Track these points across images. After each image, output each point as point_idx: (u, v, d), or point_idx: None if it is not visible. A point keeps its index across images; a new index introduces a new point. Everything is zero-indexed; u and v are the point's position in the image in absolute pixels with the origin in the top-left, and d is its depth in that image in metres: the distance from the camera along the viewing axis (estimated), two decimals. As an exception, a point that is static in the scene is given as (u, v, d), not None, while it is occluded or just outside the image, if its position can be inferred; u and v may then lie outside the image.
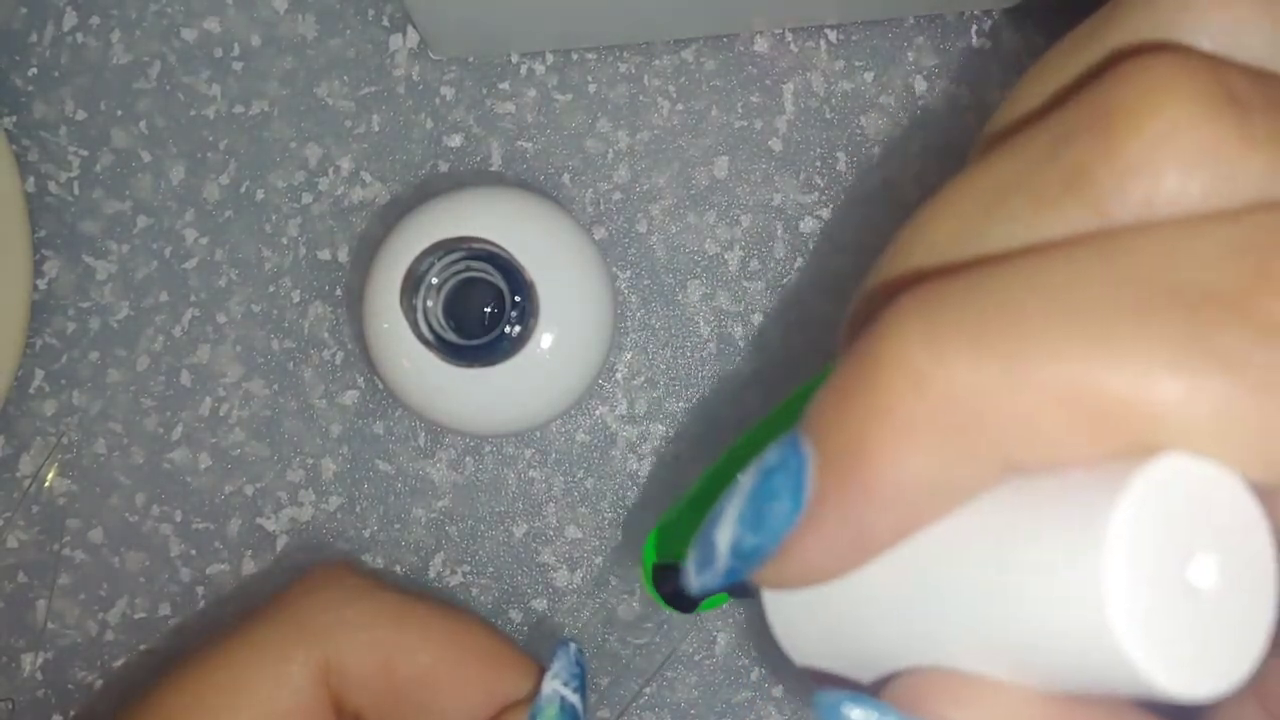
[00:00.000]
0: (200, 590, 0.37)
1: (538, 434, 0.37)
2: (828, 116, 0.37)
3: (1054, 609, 0.15)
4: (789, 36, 0.37)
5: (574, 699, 0.28)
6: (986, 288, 0.16)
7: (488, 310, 0.33)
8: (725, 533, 0.18)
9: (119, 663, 0.37)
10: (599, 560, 0.37)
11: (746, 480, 0.18)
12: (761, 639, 0.37)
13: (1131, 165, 0.15)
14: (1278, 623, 0.15)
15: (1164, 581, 0.15)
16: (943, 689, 0.17)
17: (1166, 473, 0.15)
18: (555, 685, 0.28)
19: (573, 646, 0.29)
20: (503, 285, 0.31)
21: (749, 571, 0.18)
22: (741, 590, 0.23)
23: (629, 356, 0.37)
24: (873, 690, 0.18)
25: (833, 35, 0.37)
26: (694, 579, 0.19)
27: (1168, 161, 0.15)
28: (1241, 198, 0.15)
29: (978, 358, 0.15)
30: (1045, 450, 0.15)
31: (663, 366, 0.37)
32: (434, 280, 0.31)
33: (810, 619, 0.20)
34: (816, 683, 0.19)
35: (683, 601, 0.28)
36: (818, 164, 0.37)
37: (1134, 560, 0.15)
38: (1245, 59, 0.16)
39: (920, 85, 0.37)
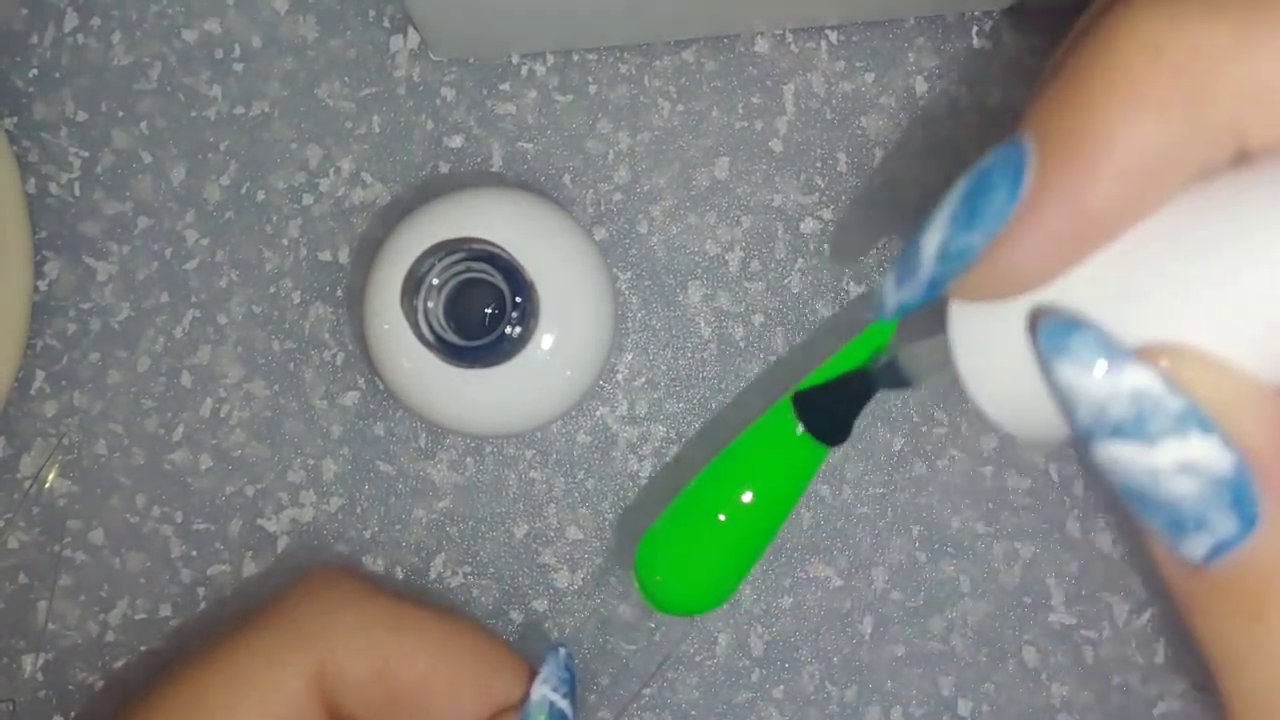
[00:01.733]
0: (201, 591, 0.37)
1: (538, 435, 0.37)
2: (828, 117, 0.37)
3: None
4: (789, 37, 0.37)
5: (563, 704, 0.28)
6: None
7: (488, 311, 0.33)
8: (933, 237, 0.18)
9: (120, 664, 0.37)
10: (599, 561, 0.37)
11: (960, 183, 0.18)
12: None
13: None
14: None
15: None
16: (1179, 354, 0.16)
17: None
18: (544, 690, 0.28)
19: (562, 651, 0.29)
20: (503, 286, 0.31)
21: (956, 276, 0.18)
22: (899, 379, 0.23)
23: (629, 357, 0.37)
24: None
25: (833, 36, 0.37)
26: (893, 294, 0.19)
27: None
28: None
29: (1214, 21, 0.15)
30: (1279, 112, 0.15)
31: (663, 367, 0.37)
32: (435, 281, 0.31)
33: (1009, 344, 0.18)
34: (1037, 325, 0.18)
35: (831, 430, 0.27)
36: (818, 165, 0.37)
37: None
38: None
39: (921, 86, 0.37)
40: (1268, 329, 0.16)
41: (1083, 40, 0.16)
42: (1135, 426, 0.16)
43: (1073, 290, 0.17)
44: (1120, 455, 0.16)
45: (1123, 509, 0.17)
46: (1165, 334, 0.16)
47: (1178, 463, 0.16)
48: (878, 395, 0.25)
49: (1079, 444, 0.17)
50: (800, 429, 0.26)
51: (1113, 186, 0.16)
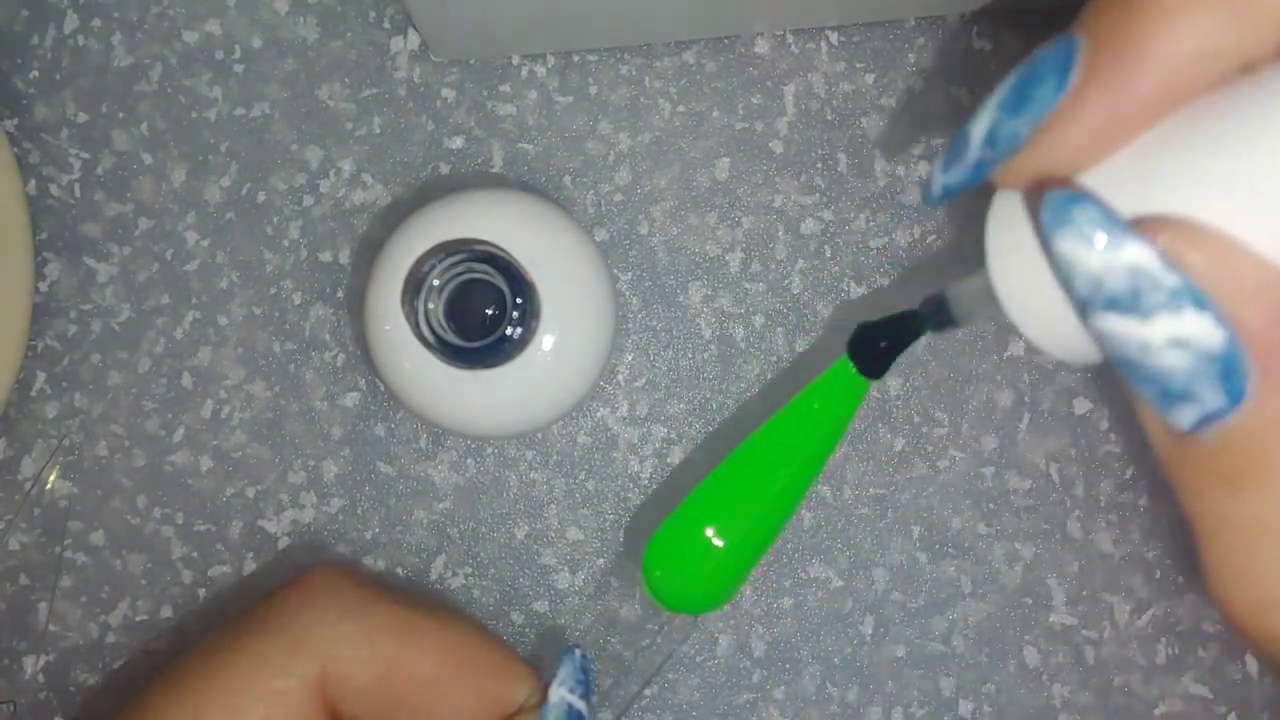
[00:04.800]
0: (202, 592, 0.37)
1: (539, 436, 0.37)
2: (829, 118, 0.37)
3: None
4: (790, 38, 0.37)
5: (580, 705, 0.28)
6: None
7: (489, 312, 0.33)
8: (982, 122, 0.19)
9: (120, 665, 0.37)
10: (600, 562, 0.37)
11: (1012, 74, 0.18)
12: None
13: None
14: None
15: None
16: (1181, 229, 0.17)
17: None
18: (562, 693, 0.28)
19: (578, 653, 0.29)
20: (504, 287, 0.31)
21: (1001, 160, 0.18)
22: (947, 318, 0.24)
23: (630, 358, 0.37)
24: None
25: (833, 37, 0.37)
26: (940, 177, 0.19)
27: None
28: None
29: None
30: None
31: (664, 368, 0.37)
32: (435, 282, 0.31)
33: (1040, 253, 0.19)
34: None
35: (874, 366, 0.28)
36: (819, 165, 0.37)
37: None
38: None
39: (921, 86, 0.37)
40: None
41: None
42: (1130, 300, 0.16)
43: (1104, 173, 0.18)
44: (1114, 327, 0.17)
45: (1120, 383, 0.18)
46: (1180, 210, 0.17)
47: (1170, 337, 0.16)
48: (925, 337, 0.26)
49: (1078, 314, 0.17)
50: (853, 369, 0.27)
51: (1155, 78, 0.17)
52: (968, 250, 0.37)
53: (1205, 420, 0.17)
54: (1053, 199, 0.17)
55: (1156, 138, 0.17)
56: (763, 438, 0.29)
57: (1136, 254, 0.16)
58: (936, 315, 0.24)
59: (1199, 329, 0.16)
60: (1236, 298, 0.16)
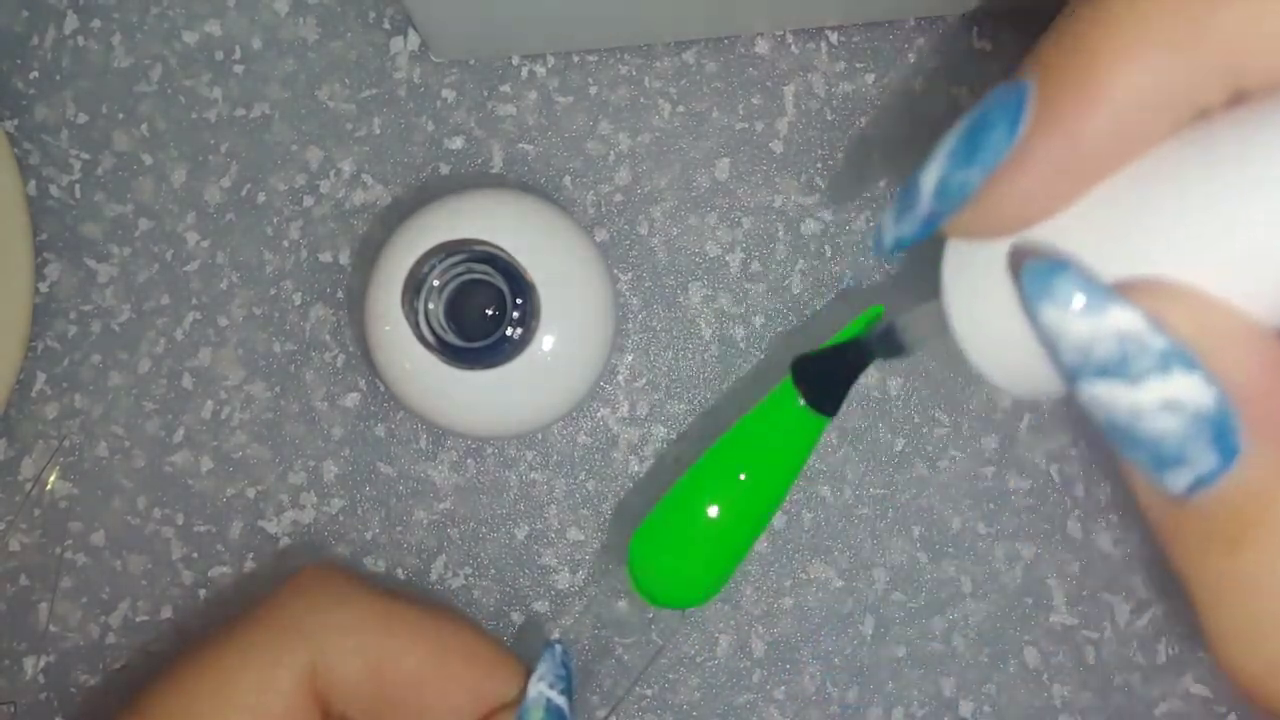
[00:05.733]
0: (202, 593, 0.37)
1: (539, 436, 0.37)
2: (829, 118, 0.37)
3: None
4: (790, 38, 0.37)
5: (560, 700, 0.28)
6: None
7: (489, 312, 0.33)
8: (932, 173, 0.18)
9: (121, 665, 0.37)
10: (600, 562, 0.37)
11: (962, 121, 0.18)
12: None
13: None
14: None
15: None
16: (1164, 291, 0.16)
17: None
18: (541, 687, 0.28)
19: (558, 648, 0.29)
20: (504, 287, 0.31)
21: (953, 212, 0.18)
22: (895, 346, 0.23)
23: (630, 358, 0.37)
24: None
25: (833, 37, 0.37)
26: (891, 229, 0.19)
27: None
28: None
29: None
30: (1276, 52, 0.15)
31: (664, 368, 0.37)
32: (435, 283, 0.31)
33: (999, 294, 0.18)
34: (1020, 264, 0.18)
35: (824, 400, 0.27)
36: (819, 165, 0.37)
37: None
38: None
39: (921, 86, 0.37)
40: (1261, 265, 0.16)
41: None
42: (1119, 366, 0.16)
43: (1065, 230, 0.18)
44: (1104, 394, 0.17)
45: (1107, 447, 0.17)
46: (1155, 271, 0.17)
47: (1161, 400, 0.16)
48: (877, 364, 0.25)
49: (1064, 382, 0.17)
50: (801, 402, 0.27)
51: (1108, 123, 0.16)
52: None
53: (1200, 482, 0.16)
54: (1033, 268, 0.17)
55: (1118, 188, 0.17)
56: (740, 432, 0.29)
57: (1122, 319, 0.16)
58: (885, 343, 0.23)
59: (1189, 390, 0.16)
60: (1222, 355, 0.16)
